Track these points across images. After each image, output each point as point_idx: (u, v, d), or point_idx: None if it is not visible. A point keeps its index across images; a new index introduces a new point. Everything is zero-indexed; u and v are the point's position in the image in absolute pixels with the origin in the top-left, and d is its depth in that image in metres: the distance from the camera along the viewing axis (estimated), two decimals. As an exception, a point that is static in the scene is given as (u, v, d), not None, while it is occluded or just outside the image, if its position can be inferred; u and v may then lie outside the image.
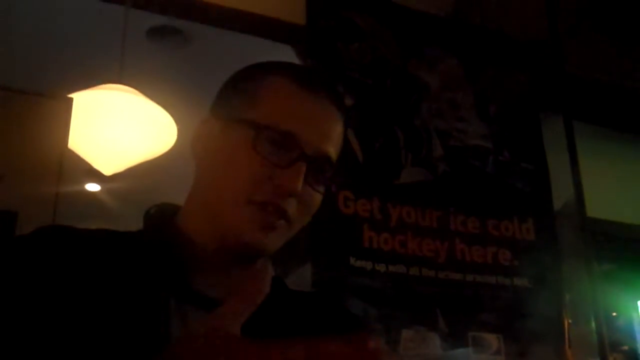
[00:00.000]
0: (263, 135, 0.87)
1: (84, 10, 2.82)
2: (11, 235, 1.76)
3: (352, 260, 2.23)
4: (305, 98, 0.91)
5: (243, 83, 0.94)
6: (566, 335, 2.48)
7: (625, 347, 3.51)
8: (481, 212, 2.54)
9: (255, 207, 0.87)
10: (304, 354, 0.66)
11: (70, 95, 1.94)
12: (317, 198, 0.92)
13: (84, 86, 2.25)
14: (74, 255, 0.84)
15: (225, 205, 0.88)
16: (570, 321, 2.53)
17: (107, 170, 2.45)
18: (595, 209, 2.77)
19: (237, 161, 0.88)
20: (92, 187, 4.51)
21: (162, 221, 0.94)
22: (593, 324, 2.55)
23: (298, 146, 0.88)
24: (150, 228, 0.94)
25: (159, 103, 2.37)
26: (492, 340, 2.37)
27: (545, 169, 2.77)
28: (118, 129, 2.34)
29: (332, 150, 0.92)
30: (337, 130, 0.95)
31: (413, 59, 2.67)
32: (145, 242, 0.90)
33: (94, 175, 2.62)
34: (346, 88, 2.45)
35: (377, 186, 2.39)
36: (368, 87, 2.52)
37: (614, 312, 3.50)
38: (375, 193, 2.37)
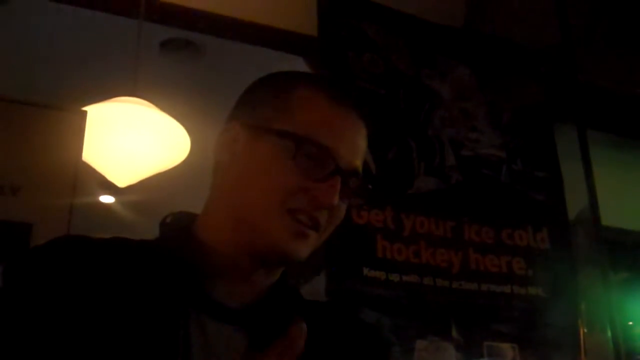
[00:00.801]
0: (303, 147, 0.88)
1: (98, 24, 2.84)
2: (26, 246, 1.78)
3: (365, 271, 2.23)
4: (338, 111, 0.93)
5: (273, 92, 0.95)
6: (582, 345, 2.46)
7: (642, 356, 3.47)
8: (495, 221, 2.54)
9: (290, 216, 0.88)
10: None
11: (84, 108, 1.95)
12: (344, 209, 0.94)
13: (98, 99, 2.26)
14: (90, 265, 0.84)
15: (259, 213, 0.89)
16: (586, 330, 2.51)
17: (121, 182, 2.46)
18: (610, 217, 2.76)
19: (273, 171, 0.89)
20: (106, 199, 4.53)
21: (179, 229, 0.94)
22: (609, 333, 2.53)
23: (334, 160, 0.89)
24: (167, 236, 0.94)
25: (172, 115, 2.38)
26: (508, 350, 2.36)
27: (559, 178, 2.75)
28: (132, 141, 2.35)
29: (360, 163, 0.94)
30: (364, 144, 0.97)
31: (425, 69, 2.67)
32: (162, 250, 0.91)
33: (108, 187, 2.63)
34: (358, 98, 2.45)
35: (390, 196, 2.38)
36: (380, 97, 2.52)
37: (630, 320, 3.47)
38: (388, 203, 2.36)
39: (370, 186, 1.85)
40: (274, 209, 0.88)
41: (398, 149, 2.47)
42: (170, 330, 0.82)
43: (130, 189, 2.57)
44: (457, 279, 2.37)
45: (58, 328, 0.78)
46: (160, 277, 0.86)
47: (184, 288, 0.86)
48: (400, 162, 2.46)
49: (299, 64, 2.68)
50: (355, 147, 0.93)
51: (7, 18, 2.81)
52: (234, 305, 0.88)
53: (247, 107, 0.96)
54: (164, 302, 0.84)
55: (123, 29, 2.57)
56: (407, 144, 2.50)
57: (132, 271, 0.86)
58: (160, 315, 0.82)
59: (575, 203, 2.77)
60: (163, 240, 0.94)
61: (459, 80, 2.73)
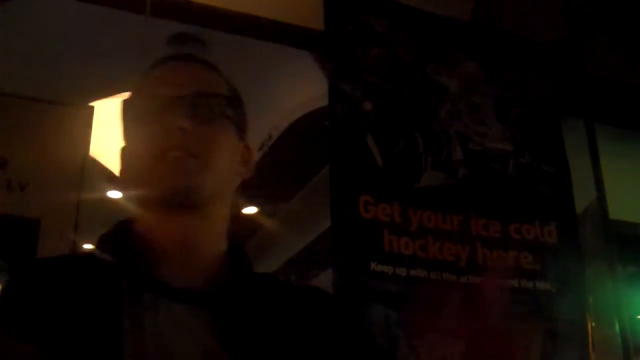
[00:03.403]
0: (143, 101, 1.03)
1: (104, 20, 2.85)
2: (34, 241, 1.79)
3: (372, 265, 2.22)
4: (168, 65, 1.07)
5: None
6: (590, 339, 2.46)
7: (651, 350, 3.47)
8: (502, 215, 2.53)
9: (160, 158, 0.96)
10: None
11: (91, 104, 1.95)
12: (216, 131, 1.00)
13: (105, 94, 2.27)
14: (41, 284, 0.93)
15: (139, 169, 0.99)
16: (594, 324, 2.50)
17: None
18: (618, 211, 2.75)
19: (136, 133, 1.03)
20: (114, 194, 4.54)
21: (118, 228, 1.02)
22: (617, 327, 2.53)
23: (165, 96, 1.00)
24: (103, 239, 1.01)
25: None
26: (515, 344, 2.35)
27: (567, 172, 2.74)
28: (139, 136, 2.35)
29: (201, 88, 1.02)
30: (204, 75, 1.07)
31: (432, 63, 2.66)
32: (104, 245, 0.99)
33: (116, 182, 2.64)
34: (365, 93, 2.45)
35: (397, 190, 2.38)
36: (387, 91, 2.51)
37: (638, 314, 3.46)
38: (395, 197, 2.36)
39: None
40: (146, 163, 0.97)
41: (405, 143, 2.47)
42: (111, 317, 0.88)
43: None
44: (465, 274, 2.37)
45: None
46: (98, 273, 0.93)
47: (132, 275, 0.93)
48: (407, 157, 2.45)
49: (305, 59, 2.68)
50: (186, 79, 1.02)
51: (12, 15, 2.82)
52: (188, 285, 0.94)
53: None
54: (102, 295, 0.90)
55: (130, 24, 2.57)
56: (413, 138, 2.50)
57: (75, 278, 0.93)
58: (100, 307, 0.89)
59: (583, 197, 2.76)
60: (100, 243, 1.01)
61: (466, 74, 2.72)
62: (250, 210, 4.87)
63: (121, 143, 1.07)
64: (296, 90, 3.39)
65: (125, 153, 1.05)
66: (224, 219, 1.03)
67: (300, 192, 4.49)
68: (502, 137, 2.67)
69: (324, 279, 2.20)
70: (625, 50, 3.06)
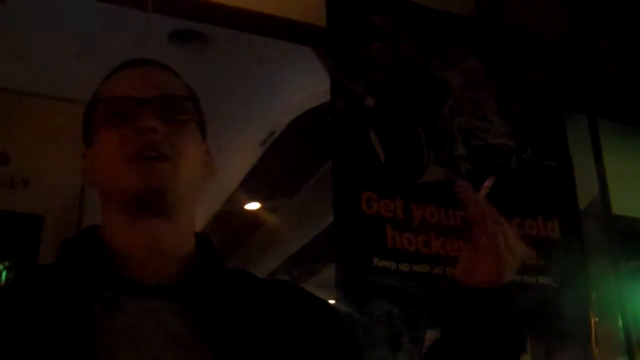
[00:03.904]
0: (106, 106, 1.01)
1: (106, 15, 2.84)
2: (37, 238, 1.79)
3: (375, 261, 2.22)
4: (127, 69, 1.07)
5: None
6: (593, 334, 2.46)
7: (653, 346, 3.46)
8: (505, 211, 2.51)
9: (131, 161, 0.95)
10: None
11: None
12: (184, 131, 1.01)
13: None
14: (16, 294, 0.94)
15: (110, 173, 0.98)
16: (597, 319, 2.50)
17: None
18: (621, 206, 2.74)
19: (101, 139, 1.01)
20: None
21: (83, 234, 1.03)
22: (620, 322, 2.52)
23: (127, 99, 1.00)
24: (70, 239, 1.03)
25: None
26: (518, 339, 2.35)
27: (570, 167, 2.74)
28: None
29: (165, 90, 1.03)
30: (166, 76, 1.08)
31: (434, 58, 2.66)
32: (68, 250, 1.00)
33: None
34: (367, 89, 2.44)
35: (399, 186, 2.38)
36: (389, 87, 2.51)
37: (642, 310, 3.46)
38: (398, 193, 2.36)
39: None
40: (117, 165, 0.96)
41: (407, 139, 2.47)
42: (80, 317, 0.88)
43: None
44: (467, 269, 2.36)
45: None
46: (65, 278, 0.93)
47: (92, 277, 0.93)
48: (409, 152, 2.45)
49: (307, 54, 2.67)
50: (151, 81, 1.02)
51: (13, 11, 2.82)
52: (160, 283, 0.94)
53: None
54: (71, 300, 0.90)
55: (131, 21, 2.57)
56: (416, 134, 2.49)
57: (42, 286, 0.94)
58: (70, 311, 0.89)
59: (585, 192, 2.76)
60: (64, 248, 1.01)
61: (468, 69, 2.72)
62: (252, 206, 4.87)
63: (84, 149, 1.06)
64: (298, 87, 3.38)
65: (91, 158, 1.03)
66: (191, 219, 1.03)
67: (302, 188, 4.49)
68: (504, 133, 2.67)
69: (327, 275, 2.20)
70: (628, 45, 3.05)
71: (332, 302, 2.15)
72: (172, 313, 0.92)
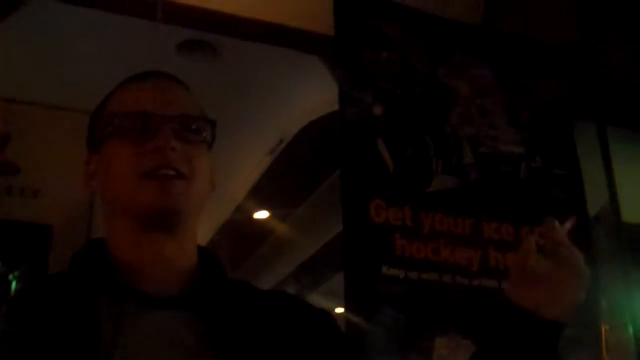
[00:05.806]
0: (120, 121, 1.01)
1: (116, 27, 2.86)
2: (47, 248, 1.80)
3: (384, 269, 2.22)
4: (141, 83, 1.07)
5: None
6: (603, 342, 2.44)
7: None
8: (514, 218, 2.52)
9: (146, 178, 0.96)
10: None
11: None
12: (199, 151, 1.02)
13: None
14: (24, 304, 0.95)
15: (123, 190, 0.98)
16: (607, 327, 2.49)
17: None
18: (631, 213, 2.73)
19: (117, 153, 1.00)
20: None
21: (91, 247, 1.03)
22: (630, 330, 2.51)
23: (146, 116, 1.00)
24: (79, 252, 1.03)
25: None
26: (528, 348, 2.34)
27: (579, 174, 2.73)
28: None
29: (182, 108, 1.03)
30: (182, 94, 1.08)
31: (442, 66, 2.66)
32: (78, 263, 1.00)
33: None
34: (375, 97, 2.45)
35: (408, 194, 2.38)
36: (397, 96, 2.51)
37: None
38: (406, 201, 2.36)
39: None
40: (132, 181, 0.96)
41: (415, 147, 2.47)
42: (87, 326, 0.89)
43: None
44: (477, 277, 2.36)
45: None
46: (73, 290, 0.94)
47: (97, 285, 0.94)
48: (418, 161, 2.45)
49: (315, 63, 2.68)
50: (172, 98, 1.03)
51: (24, 22, 2.83)
52: (167, 294, 0.96)
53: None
54: (79, 311, 0.91)
55: (139, 31, 2.58)
56: (424, 142, 2.49)
57: (50, 297, 0.94)
58: (77, 323, 0.89)
59: (595, 200, 2.74)
60: (74, 261, 1.02)
61: (476, 77, 2.71)
62: (261, 215, 4.88)
63: (87, 154, 1.07)
64: (306, 95, 3.39)
65: (96, 165, 1.04)
66: (194, 234, 1.05)
67: (311, 196, 4.49)
68: (513, 140, 2.67)
69: (336, 283, 2.20)
70: (637, 53, 3.04)
71: (340, 310, 2.15)
72: (179, 323, 0.93)
